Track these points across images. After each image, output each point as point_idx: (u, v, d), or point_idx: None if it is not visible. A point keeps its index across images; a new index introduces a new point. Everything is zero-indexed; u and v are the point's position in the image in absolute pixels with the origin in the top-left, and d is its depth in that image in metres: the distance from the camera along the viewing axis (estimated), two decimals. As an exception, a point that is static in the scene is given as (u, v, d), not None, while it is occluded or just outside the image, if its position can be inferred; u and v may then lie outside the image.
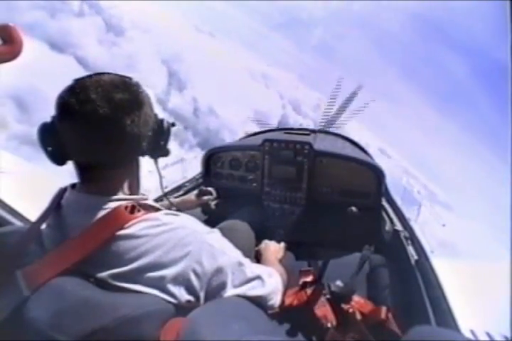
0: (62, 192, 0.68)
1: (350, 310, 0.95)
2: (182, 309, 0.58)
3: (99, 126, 0.58)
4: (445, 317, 0.98)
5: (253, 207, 1.70)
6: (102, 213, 0.61)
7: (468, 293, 1.25)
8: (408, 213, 1.86)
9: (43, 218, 0.65)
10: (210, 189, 1.48)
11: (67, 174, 0.73)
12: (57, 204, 0.67)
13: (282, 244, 1.25)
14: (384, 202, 1.82)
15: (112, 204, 0.62)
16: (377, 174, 1.59)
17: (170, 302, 0.59)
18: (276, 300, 0.77)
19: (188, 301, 0.61)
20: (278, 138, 1.75)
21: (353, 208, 1.57)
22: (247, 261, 0.73)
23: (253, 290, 0.70)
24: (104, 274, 0.58)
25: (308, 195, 1.69)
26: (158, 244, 0.60)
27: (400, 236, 1.55)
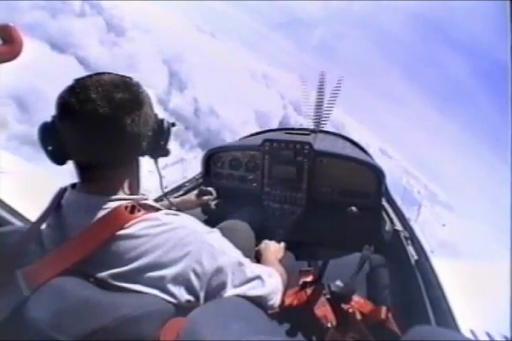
0: (62, 192, 0.69)
1: (350, 310, 0.95)
2: (182, 309, 0.58)
3: (99, 125, 0.58)
4: (445, 317, 0.98)
5: (253, 207, 1.70)
6: (102, 213, 0.61)
7: (468, 293, 1.25)
8: (408, 213, 1.86)
9: (43, 218, 0.65)
10: (210, 189, 1.48)
11: (68, 174, 0.73)
12: (57, 204, 0.67)
13: (282, 244, 1.25)
14: (384, 202, 1.82)
15: (112, 204, 0.62)
16: (377, 174, 1.59)
17: (170, 302, 0.59)
18: (276, 300, 0.77)
19: (188, 301, 0.61)
20: (278, 138, 1.75)
21: (353, 208, 1.57)
22: (247, 261, 0.73)
23: (253, 290, 0.70)
24: (104, 274, 0.58)
25: (308, 195, 1.69)
26: (158, 243, 0.60)
27: (400, 236, 1.55)
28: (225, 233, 0.76)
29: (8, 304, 0.51)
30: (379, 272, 1.33)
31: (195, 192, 1.51)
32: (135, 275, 0.58)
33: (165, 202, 1.18)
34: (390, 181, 1.84)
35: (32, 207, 0.86)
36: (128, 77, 0.66)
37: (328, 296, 0.99)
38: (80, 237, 0.58)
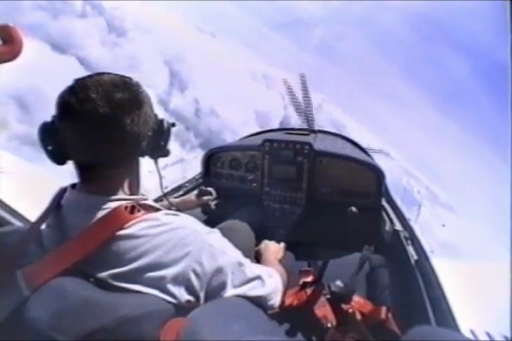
0: (62, 192, 0.69)
1: (350, 310, 0.95)
2: (182, 309, 0.58)
3: (99, 125, 0.58)
4: (445, 317, 0.98)
5: (253, 207, 1.70)
6: (102, 213, 0.61)
7: (468, 293, 1.25)
8: (408, 213, 1.86)
9: (43, 218, 0.65)
10: (210, 189, 1.48)
11: (68, 174, 0.73)
12: (57, 204, 0.67)
13: (282, 244, 1.25)
14: (384, 202, 1.82)
15: (112, 204, 0.62)
16: (377, 174, 1.59)
17: (170, 302, 0.59)
18: (276, 300, 0.77)
19: (188, 301, 0.61)
20: (278, 138, 1.75)
21: (353, 208, 1.57)
22: (247, 261, 0.73)
23: (253, 290, 0.70)
24: (104, 274, 0.58)
25: (308, 195, 1.69)
26: (158, 244, 0.60)
27: (400, 236, 1.55)
28: (225, 233, 0.76)
29: (8, 304, 0.52)
30: (379, 272, 1.33)
31: (195, 192, 1.51)
32: (135, 276, 0.58)
33: (165, 202, 1.18)
34: (390, 181, 1.84)
35: (32, 207, 0.86)
36: (128, 77, 0.66)
37: (328, 296, 0.99)
38: (80, 237, 0.58)
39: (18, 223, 1.00)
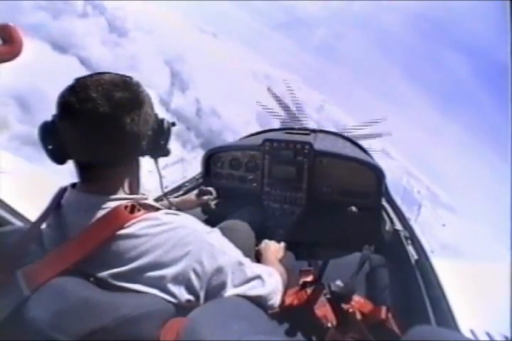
0: (62, 191, 0.69)
1: (350, 310, 0.95)
2: (182, 309, 0.58)
3: (99, 124, 0.58)
4: (445, 317, 0.98)
5: (253, 207, 1.70)
6: (101, 213, 0.61)
7: (469, 293, 1.25)
8: (408, 213, 1.86)
9: (43, 218, 0.65)
10: (210, 189, 1.48)
11: (68, 174, 0.73)
12: (57, 204, 0.67)
13: (282, 244, 1.25)
14: (384, 202, 1.81)
15: (112, 204, 0.62)
16: (377, 174, 1.59)
17: (170, 302, 0.59)
18: (276, 300, 0.77)
19: (188, 301, 0.61)
20: (278, 137, 1.75)
21: (353, 208, 1.57)
22: (247, 261, 0.73)
23: (253, 289, 0.70)
24: (104, 274, 0.58)
25: (308, 195, 1.69)
26: (158, 243, 0.60)
27: (400, 236, 1.55)
28: (225, 233, 0.76)
29: (8, 304, 0.51)
30: (379, 272, 1.33)
31: (195, 192, 1.52)
32: (135, 275, 0.58)
33: (165, 201, 1.18)
34: (390, 181, 1.84)
35: (32, 207, 0.86)
36: (128, 77, 0.66)
37: (328, 296, 0.99)
38: (80, 237, 0.58)
39: (18, 223, 1.00)
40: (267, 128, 2.39)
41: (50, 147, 0.64)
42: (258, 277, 0.73)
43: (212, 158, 1.85)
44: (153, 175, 0.84)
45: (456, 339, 0.59)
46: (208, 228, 0.71)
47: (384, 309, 0.95)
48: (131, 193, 0.69)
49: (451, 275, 1.22)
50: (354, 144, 2.19)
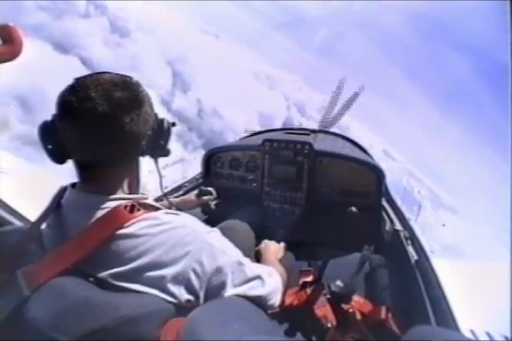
0: (62, 191, 0.69)
1: (350, 310, 0.95)
2: (182, 309, 0.58)
3: (98, 124, 0.58)
4: (445, 317, 0.98)
5: (253, 207, 1.70)
6: (101, 212, 0.61)
7: (469, 293, 1.24)
8: (408, 213, 1.86)
9: (43, 218, 0.65)
10: (210, 189, 1.48)
11: (68, 174, 0.73)
12: (57, 204, 0.67)
13: (282, 244, 1.25)
14: (384, 202, 1.82)
15: (112, 204, 0.62)
16: (377, 174, 1.59)
17: (170, 302, 0.59)
18: (276, 300, 0.77)
19: (188, 301, 0.61)
20: (278, 138, 1.75)
21: (353, 208, 1.57)
22: (247, 261, 0.73)
23: (253, 289, 0.70)
24: (104, 274, 0.58)
25: (308, 195, 1.69)
26: (158, 243, 0.60)
27: (400, 236, 1.55)
28: (225, 233, 0.76)
29: (8, 304, 0.52)
30: (379, 272, 1.33)
31: (195, 192, 1.52)
32: (135, 275, 0.58)
33: (165, 201, 1.18)
34: (390, 181, 1.84)
35: (32, 207, 0.86)
36: (128, 76, 0.66)
37: (328, 296, 0.99)
38: (80, 237, 0.58)
39: (18, 223, 1.00)
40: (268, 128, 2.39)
41: (49, 147, 0.64)
42: (258, 277, 0.73)
43: (212, 158, 1.85)
44: (153, 175, 0.84)
45: (456, 339, 0.59)
46: (207, 228, 0.71)
47: (384, 309, 0.95)
48: (131, 193, 0.69)
49: (451, 275, 1.22)
50: (354, 144, 2.20)
